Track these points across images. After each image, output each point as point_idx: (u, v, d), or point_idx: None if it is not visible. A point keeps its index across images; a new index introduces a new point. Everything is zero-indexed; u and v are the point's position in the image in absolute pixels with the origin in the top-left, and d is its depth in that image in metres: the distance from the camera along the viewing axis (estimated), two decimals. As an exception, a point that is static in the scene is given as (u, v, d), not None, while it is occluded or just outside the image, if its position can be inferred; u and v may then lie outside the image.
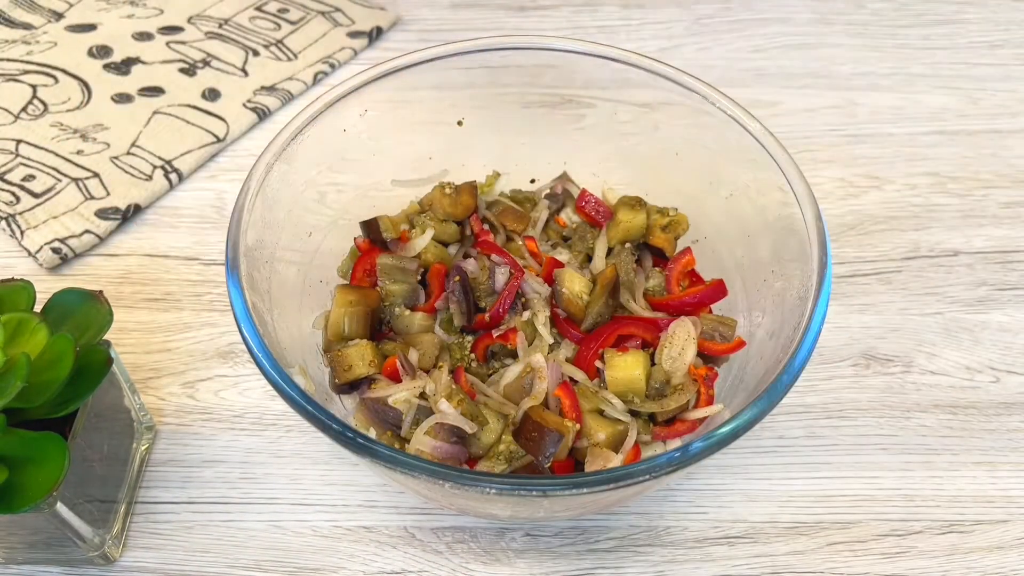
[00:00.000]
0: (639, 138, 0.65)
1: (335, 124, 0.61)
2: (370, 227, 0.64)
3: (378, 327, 0.62)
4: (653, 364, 0.58)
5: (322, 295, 0.62)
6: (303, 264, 0.62)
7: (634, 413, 0.57)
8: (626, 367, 0.56)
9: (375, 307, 0.61)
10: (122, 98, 0.84)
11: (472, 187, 0.64)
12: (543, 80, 0.65)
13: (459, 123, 0.66)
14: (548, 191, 0.68)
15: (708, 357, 0.60)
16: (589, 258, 0.65)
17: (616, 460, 0.54)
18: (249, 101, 0.84)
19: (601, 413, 0.56)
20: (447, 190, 0.63)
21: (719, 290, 0.61)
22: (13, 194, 0.76)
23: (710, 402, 0.58)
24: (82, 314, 0.55)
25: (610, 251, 0.64)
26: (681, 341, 0.58)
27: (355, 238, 0.65)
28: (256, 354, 0.49)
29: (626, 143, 0.66)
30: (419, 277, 0.62)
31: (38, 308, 0.54)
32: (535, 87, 0.65)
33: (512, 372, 0.57)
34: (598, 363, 0.58)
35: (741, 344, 0.59)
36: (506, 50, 0.63)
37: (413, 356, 0.58)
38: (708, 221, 0.64)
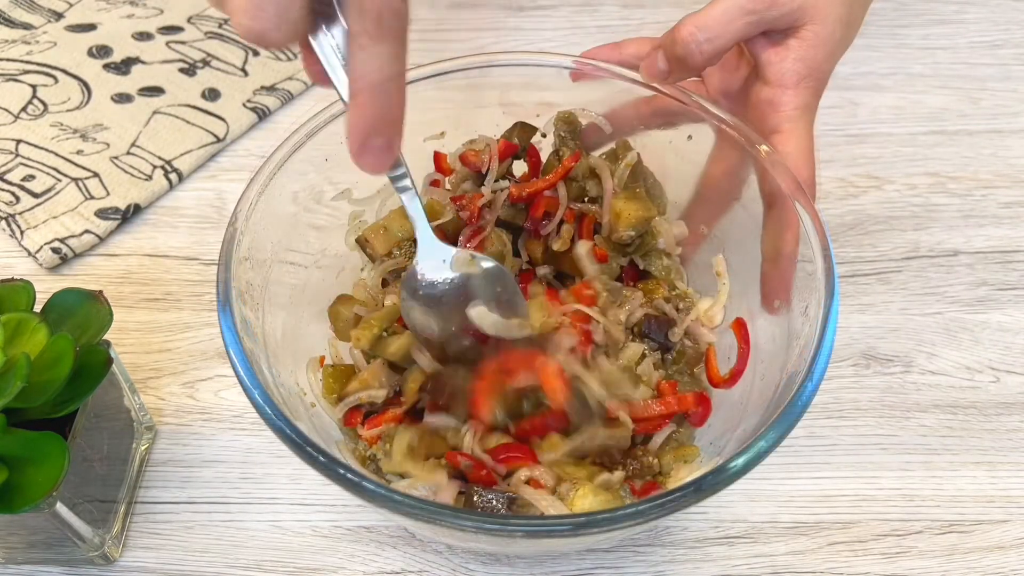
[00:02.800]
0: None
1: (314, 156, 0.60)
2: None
3: None
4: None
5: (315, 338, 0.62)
6: (292, 307, 0.60)
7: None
8: (587, 501, 0.52)
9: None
10: (122, 98, 0.84)
11: (400, 212, 0.62)
12: (541, 88, 0.65)
13: (442, 134, 0.65)
14: None
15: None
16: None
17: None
18: (249, 101, 0.84)
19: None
20: (380, 231, 0.61)
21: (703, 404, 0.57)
22: (13, 194, 0.76)
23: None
24: (82, 314, 0.55)
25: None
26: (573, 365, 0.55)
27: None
28: (255, 399, 0.48)
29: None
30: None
31: (38, 308, 0.54)
32: (534, 92, 0.65)
33: None
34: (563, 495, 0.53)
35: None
36: (502, 66, 0.63)
37: None
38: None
